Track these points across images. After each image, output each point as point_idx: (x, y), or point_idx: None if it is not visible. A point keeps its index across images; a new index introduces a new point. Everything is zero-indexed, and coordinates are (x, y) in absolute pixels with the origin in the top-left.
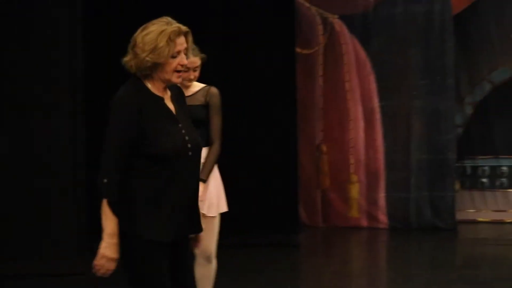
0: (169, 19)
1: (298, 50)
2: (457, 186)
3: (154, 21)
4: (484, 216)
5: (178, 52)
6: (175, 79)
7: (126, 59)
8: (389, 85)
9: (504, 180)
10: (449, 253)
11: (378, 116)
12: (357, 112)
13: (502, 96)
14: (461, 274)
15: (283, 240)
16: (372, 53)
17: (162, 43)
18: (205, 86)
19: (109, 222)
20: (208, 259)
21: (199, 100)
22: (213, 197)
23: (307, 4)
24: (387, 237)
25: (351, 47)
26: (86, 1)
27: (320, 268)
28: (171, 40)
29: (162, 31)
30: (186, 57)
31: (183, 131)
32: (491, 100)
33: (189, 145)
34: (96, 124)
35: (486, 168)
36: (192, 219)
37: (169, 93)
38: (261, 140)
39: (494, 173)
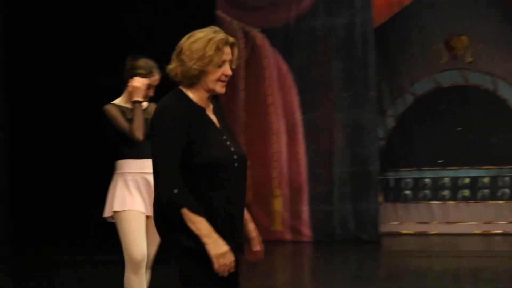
0: (216, 28)
1: None
2: (380, 198)
3: (202, 30)
4: (408, 228)
5: (224, 62)
6: (219, 88)
7: (170, 66)
8: (311, 98)
9: (427, 192)
10: (373, 265)
11: (300, 129)
12: (279, 125)
13: (423, 108)
14: (385, 286)
15: None
16: (294, 66)
17: (211, 51)
18: (151, 103)
19: (200, 225)
20: (149, 266)
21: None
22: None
23: (229, 18)
24: (311, 250)
25: (273, 61)
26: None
27: (245, 282)
28: (219, 49)
29: (211, 39)
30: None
31: (228, 143)
32: (413, 112)
33: (235, 156)
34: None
35: (409, 180)
36: (241, 232)
37: (211, 105)
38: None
39: (417, 185)
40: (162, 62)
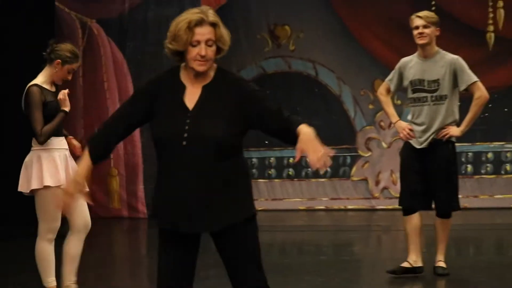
0: (205, 8)
1: None
2: None
3: (188, 10)
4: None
5: (198, 42)
6: (197, 67)
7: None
8: None
9: (254, 171)
10: (203, 239)
11: None
12: (115, 110)
13: None
14: (214, 258)
15: None
16: (128, 54)
17: (180, 31)
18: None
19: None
20: (87, 231)
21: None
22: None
23: (67, 10)
24: (146, 225)
25: (109, 49)
26: None
27: (86, 255)
28: (189, 28)
29: (183, 19)
30: (212, 48)
31: (188, 121)
32: None
33: (185, 135)
34: None
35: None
36: (203, 215)
37: (205, 82)
38: (24, 135)
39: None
40: None
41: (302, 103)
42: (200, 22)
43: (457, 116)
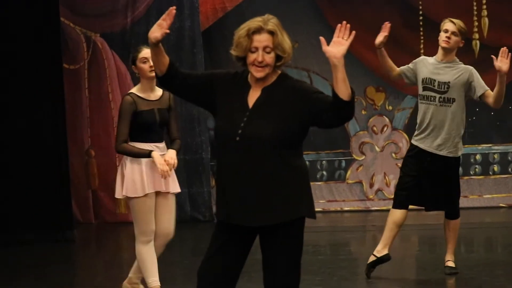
0: (267, 17)
1: (65, 65)
2: (213, 182)
3: (253, 18)
4: None
5: (256, 48)
6: (254, 72)
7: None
8: None
9: None
10: (208, 242)
11: None
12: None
13: None
14: None
15: (59, 237)
16: (132, 66)
17: (241, 38)
18: (164, 91)
19: None
20: (167, 239)
21: (166, 104)
22: (173, 175)
23: (72, 25)
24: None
25: (113, 62)
26: None
27: (94, 259)
28: (248, 36)
29: (244, 27)
30: (270, 55)
31: (245, 119)
32: None
33: (239, 131)
34: None
35: None
36: (250, 209)
37: (265, 84)
38: (34, 146)
39: None
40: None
41: None
42: (258, 30)
43: (463, 126)
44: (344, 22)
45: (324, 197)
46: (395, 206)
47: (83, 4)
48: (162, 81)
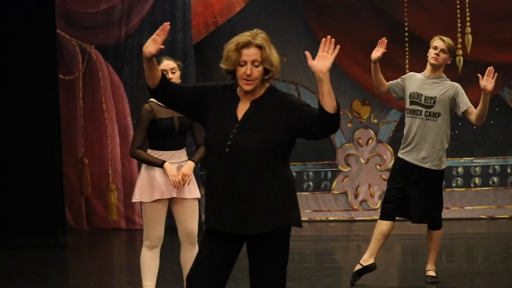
0: (256, 31)
1: (61, 76)
2: (202, 191)
3: (242, 33)
4: None
5: (245, 62)
6: (243, 85)
7: None
8: (140, 105)
9: None
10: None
11: (131, 132)
12: (113, 129)
13: None
14: None
15: (52, 242)
16: (125, 77)
17: (229, 52)
18: None
19: None
20: (194, 242)
21: None
22: (193, 181)
23: (68, 37)
24: (142, 237)
25: (107, 73)
26: None
27: (86, 264)
28: (237, 50)
29: (234, 41)
30: (258, 69)
31: (234, 131)
32: None
33: (228, 143)
34: None
35: None
36: (240, 218)
37: (254, 97)
38: (30, 154)
39: None
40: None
41: None
42: (247, 44)
43: (447, 140)
44: (329, 36)
45: (310, 207)
46: (382, 217)
47: (79, 17)
48: (154, 94)
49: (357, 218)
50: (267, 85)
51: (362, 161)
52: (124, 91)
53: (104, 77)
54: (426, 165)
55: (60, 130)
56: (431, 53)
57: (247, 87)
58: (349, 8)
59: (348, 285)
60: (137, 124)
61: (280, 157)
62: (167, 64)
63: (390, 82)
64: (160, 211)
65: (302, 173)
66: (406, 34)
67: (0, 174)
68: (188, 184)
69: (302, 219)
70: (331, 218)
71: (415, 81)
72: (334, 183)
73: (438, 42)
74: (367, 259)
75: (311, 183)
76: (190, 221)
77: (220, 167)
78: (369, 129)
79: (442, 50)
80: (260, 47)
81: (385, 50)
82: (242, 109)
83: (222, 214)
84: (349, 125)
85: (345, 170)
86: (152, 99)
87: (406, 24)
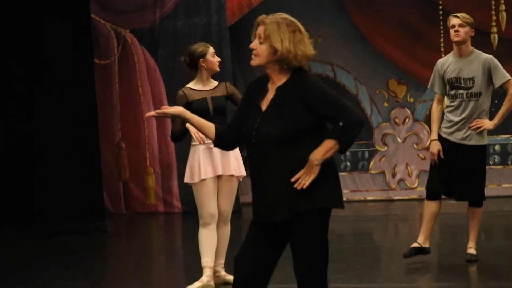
0: (277, 14)
1: (96, 61)
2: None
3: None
4: None
5: (255, 37)
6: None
7: None
8: (176, 89)
9: None
10: (235, 231)
11: None
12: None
13: None
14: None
15: (91, 227)
16: (160, 61)
17: (253, 32)
18: (221, 82)
19: None
20: (225, 221)
21: (222, 92)
22: (234, 159)
23: (102, 21)
24: (181, 220)
25: (142, 57)
26: None
27: (126, 248)
28: (255, 28)
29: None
30: (262, 46)
31: (259, 120)
32: None
33: (253, 133)
34: None
35: None
36: (266, 206)
37: (279, 84)
38: (67, 139)
39: None
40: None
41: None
42: (259, 23)
43: (487, 116)
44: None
45: (348, 187)
46: (428, 197)
47: (113, 1)
48: (216, 146)
49: (395, 197)
50: (291, 71)
51: (399, 140)
52: (159, 75)
53: (139, 61)
54: (470, 142)
55: (96, 115)
56: (452, 32)
57: (252, 62)
58: None
59: (386, 264)
60: None
61: (306, 141)
62: (212, 49)
63: (438, 89)
64: (209, 190)
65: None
66: (441, 12)
67: (38, 161)
68: None
69: None
70: (369, 198)
71: (449, 66)
72: (372, 163)
73: (453, 20)
74: (422, 242)
75: (348, 163)
76: (224, 200)
77: (250, 157)
78: (406, 108)
79: (460, 25)
80: (264, 23)
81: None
82: (268, 98)
83: (255, 202)
84: (385, 104)
85: (382, 150)
86: (186, 86)
87: (440, 2)
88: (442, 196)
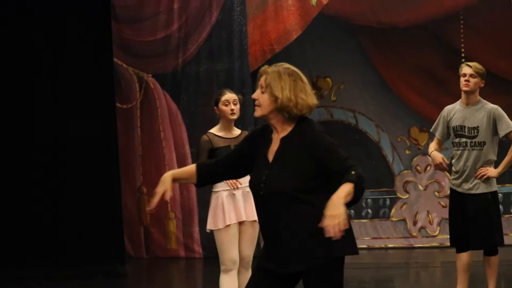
0: (279, 64)
1: (118, 105)
2: None
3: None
4: None
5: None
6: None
7: None
8: (198, 133)
9: None
10: None
11: (189, 160)
12: (171, 157)
13: None
14: None
15: (111, 271)
16: (182, 106)
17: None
18: (243, 131)
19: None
20: (247, 267)
21: None
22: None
23: (125, 65)
24: (202, 265)
25: (164, 101)
26: None
27: None
28: (259, 80)
29: None
30: (264, 95)
31: (266, 172)
32: None
33: (262, 185)
34: None
35: None
36: (280, 257)
37: (283, 134)
38: (89, 183)
39: None
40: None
41: (344, 149)
42: (261, 74)
43: (494, 158)
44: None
45: (369, 234)
46: (458, 250)
47: (135, 46)
48: (201, 186)
49: (416, 245)
50: (296, 120)
51: (421, 187)
52: (181, 119)
53: (161, 106)
54: (478, 191)
55: (118, 159)
56: (462, 81)
57: (255, 113)
58: (405, 34)
59: None
60: (197, 155)
61: (316, 191)
62: (230, 96)
63: (439, 133)
64: (232, 236)
65: (361, 201)
66: (463, 60)
67: (59, 204)
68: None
69: (361, 246)
70: (390, 245)
71: (455, 114)
72: (393, 210)
73: (465, 69)
74: None
75: (369, 210)
76: (246, 245)
77: (259, 209)
78: (427, 156)
79: (471, 75)
80: (265, 73)
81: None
82: (273, 149)
83: (267, 252)
84: (407, 152)
85: (404, 197)
86: (210, 131)
87: (463, 50)
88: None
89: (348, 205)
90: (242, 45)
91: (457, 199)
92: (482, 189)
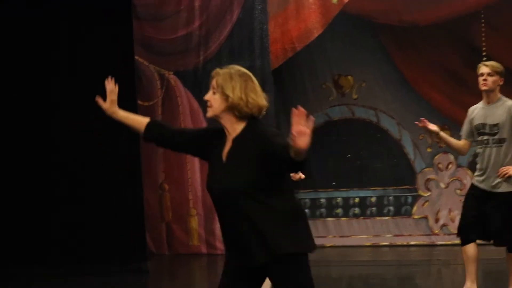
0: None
1: (139, 102)
2: None
3: None
4: None
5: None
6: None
7: None
8: None
9: (322, 210)
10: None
11: None
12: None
13: (317, 139)
14: None
15: (134, 267)
16: (204, 103)
17: None
18: None
19: None
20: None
21: None
22: None
23: (146, 63)
24: (224, 261)
25: (185, 99)
26: None
27: None
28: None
29: None
30: (215, 96)
31: (221, 172)
32: None
33: (217, 185)
34: None
35: (307, 200)
36: (246, 252)
37: (235, 134)
38: (110, 181)
39: (314, 204)
40: None
41: (365, 147)
42: (213, 76)
43: None
44: (300, 108)
45: (391, 231)
46: (463, 242)
47: (157, 43)
48: (145, 140)
49: (438, 242)
50: (246, 120)
51: (442, 185)
52: (203, 117)
53: (183, 103)
54: (499, 190)
55: (140, 156)
56: (480, 80)
57: (207, 114)
58: (426, 33)
59: None
60: None
61: (271, 188)
62: None
63: (463, 133)
64: None
65: (383, 198)
66: (484, 59)
67: (81, 201)
68: None
69: (383, 243)
70: (411, 243)
71: (478, 113)
72: (415, 208)
73: (482, 69)
74: (470, 286)
75: (391, 208)
76: None
77: (216, 207)
78: (449, 154)
79: (488, 74)
80: (218, 74)
81: (430, 127)
82: (226, 149)
83: (228, 248)
84: (428, 150)
85: (426, 195)
86: None
87: (484, 49)
88: (480, 241)
89: (297, 165)
90: (263, 43)
91: (477, 194)
92: (504, 188)
